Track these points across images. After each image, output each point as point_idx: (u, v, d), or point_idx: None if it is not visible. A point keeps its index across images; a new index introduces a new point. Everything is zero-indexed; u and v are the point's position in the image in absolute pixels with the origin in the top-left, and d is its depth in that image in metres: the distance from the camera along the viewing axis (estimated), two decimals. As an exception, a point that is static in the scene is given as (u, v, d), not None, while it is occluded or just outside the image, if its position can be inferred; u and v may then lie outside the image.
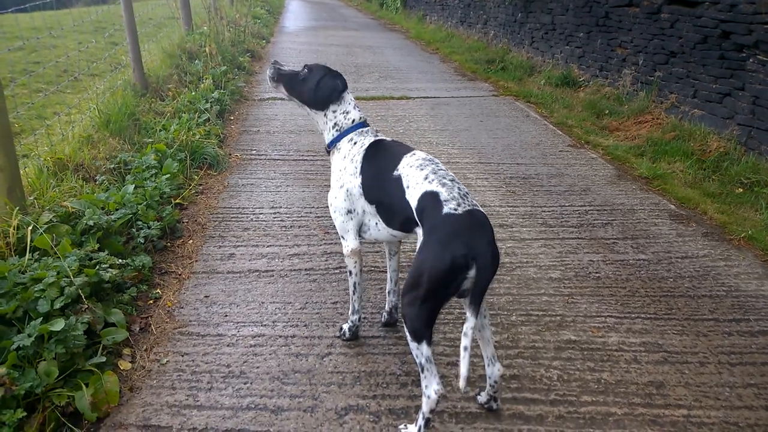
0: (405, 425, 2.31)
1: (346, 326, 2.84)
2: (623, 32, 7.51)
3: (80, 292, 2.65)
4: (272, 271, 3.46)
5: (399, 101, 7.79)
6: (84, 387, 2.32)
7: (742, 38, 5.47)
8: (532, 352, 2.79)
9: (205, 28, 9.42)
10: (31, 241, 2.92)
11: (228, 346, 2.77)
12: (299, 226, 4.03)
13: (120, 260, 3.12)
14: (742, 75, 5.52)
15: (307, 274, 3.44)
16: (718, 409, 2.46)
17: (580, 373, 2.65)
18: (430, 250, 2.01)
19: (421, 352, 2.04)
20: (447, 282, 1.96)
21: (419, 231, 2.19)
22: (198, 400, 2.41)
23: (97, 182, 4.10)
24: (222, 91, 6.81)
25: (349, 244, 2.58)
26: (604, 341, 2.88)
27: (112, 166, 4.36)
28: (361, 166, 2.46)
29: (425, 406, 2.10)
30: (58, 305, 2.55)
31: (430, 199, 2.10)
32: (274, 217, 4.16)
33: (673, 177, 5.14)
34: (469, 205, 2.07)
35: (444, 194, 2.09)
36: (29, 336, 2.34)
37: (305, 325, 2.94)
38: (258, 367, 2.62)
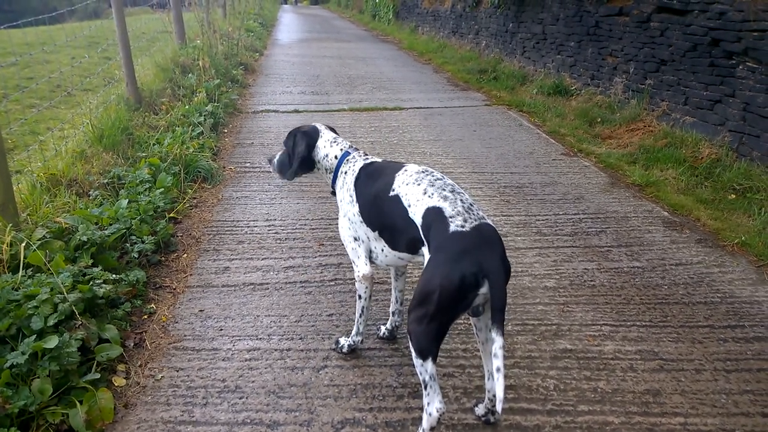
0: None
1: (345, 342, 2.81)
2: (614, 41, 7.57)
3: (74, 308, 2.64)
4: (267, 284, 3.45)
5: (392, 112, 7.82)
6: (78, 404, 2.30)
7: (731, 46, 5.53)
8: (528, 361, 2.78)
9: (199, 41, 9.46)
10: (25, 257, 2.91)
11: (223, 360, 2.75)
12: (294, 239, 4.03)
13: (114, 275, 3.10)
14: (732, 82, 5.57)
15: (302, 286, 3.43)
16: (714, 416, 2.46)
17: (576, 382, 2.65)
18: (438, 268, 1.96)
19: (425, 369, 2.02)
20: (457, 300, 1.93)
21: (425, 249, 2.15)
22: (193, 416, 2.39)
23: (91, 197, 4.09)
24: (215, 104, 6.83)
25: (360, 269, 2.57)
26: (599, 350, 2.88)
27: (105, 181, 4.35)
28: (356, 193, 2.52)
29: (426, 423, 2.09)
30: (51, 322, 2.53)
31: (434, 215, 2.08)
32: (269, 230, 4.16)
33: (666, 184, 5.17)
34: (476, 219, 2.04)
35: (448, 210, 2.06)
36: (23, 353, 2.33)
37: (301, 338, 2.93)
38: (253, 382, 2.61)
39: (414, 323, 2.00)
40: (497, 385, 1.83)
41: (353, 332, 2.78)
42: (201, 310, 3.16)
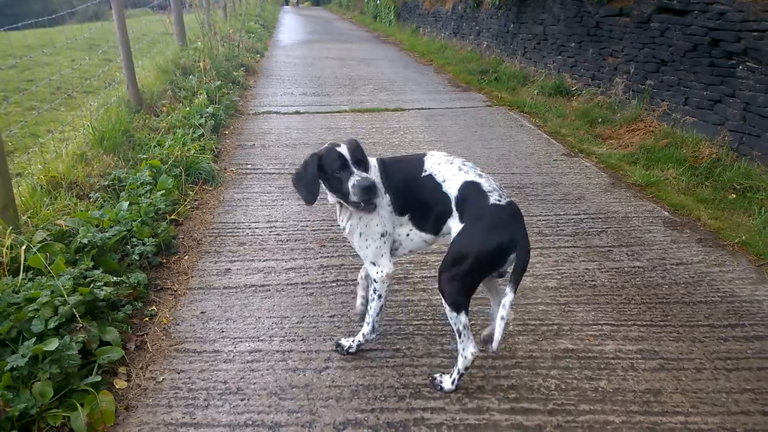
0: (441, 374, 2.58)
1: (354, 341, 2.78)
2: (614, 41, 7.57)
3: (74, 311, 2.65)
4: (268, 285, 3.45)
5: (394, 113, 7.83)
6: (79, 407, 2.31)
7: (731, 46, 5.52)
8: (530, 361, 2.79)
9: (199, 43, 9.47)
10: (25, 260, 2.91)
11: (225, 362, 2.75)
12: (295, 240, 4.03)
13: (115, 278, 3.11)
14: (732, 82, 5.57)
15: (303, 288, 3.44)
16: (715, 415, 2.46)
17: (577, 381, 2.65)
18: (477, 234, 2.28)
19: (459, 320, 2.37)
20: (491, 263, 2.27)
21: (452, 221, 2.40)
22: (195, 418, 2.40)
23: (92, 200, 4.10)
24: (216, 105, 6.84)
25: (384, 268, 2.58)
26: (600, 349, 2.88)
27: (106, 183, 4.36)
28: (386, 185, 2.52)
29: (461, 364, 2.48)
30: (52, 325, 2.54)
31: (472, 188, 2.35)
32: (270, 232, 4.16)
33: (667, 184, 5.17)
34: (507, 197, 2.37)
35: (485, 185, 2.35)
36: (23, 356, 2.33)
37: (302, 340, 2.93)
38: (255, 383, 2.61)
39: (447, 282, 2.31)
40: (497, 329, 2.20)
41: (367, 330, 2.73)
42: (202, 312, 3.16)
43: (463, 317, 2.37)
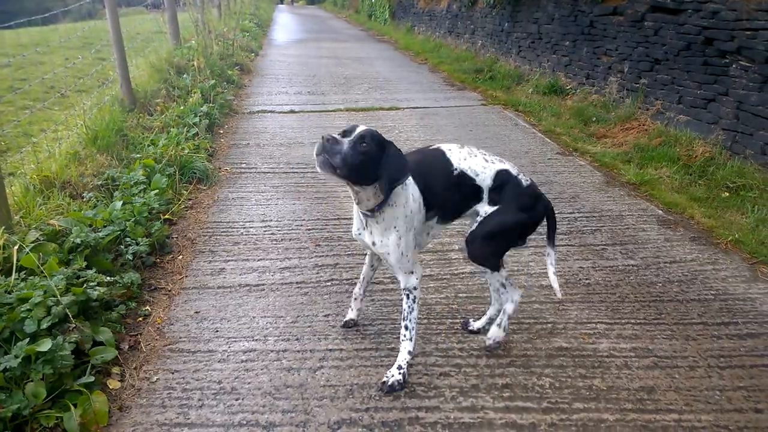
0: (490, 339, 2.81)
1: (402, 366, 2.58)
2: (608, 40, 7.59)
3: (67, 311, 2.63)
4: (263, 285, 3.45)
5: (389, 112, 7.83)
6: (72, 408, 2.30)
7: (724, 44, 5.54)
8: (524, 360, 2.79)
9: (193, 42, 9.45)
10: (18, 260, 2.89)
11: (219, 362, 2.75)
12: (290, 239, 4.03)
13: (108, 278, 3.09)
14: (725, 80, 5.59)
15: (298, 287, 3.43)
16: (708, 412, 2.47)
17: (571, 380, 2.65)
18: (519, 209, 2.54)
19: (501, 276, 2.71)
20: (531, 229, 2.63)
21: (480, 206, 2.57)
22: (189, 418, 2.39)
23: (85, 199, 4.08)
24: (211, 104, 6.82)
25: (419, 272, 2.58)
26: (595, 348, 2.89)
27: (99, 182, 4.34)
28: (423, 198, 2.50)
29: (510, 310, 2.76)
30: (45, 325, 2.53)
31: (506, 175, 2.56)
32: (265, 231, 4.15)
33: (660, 182, 5.18)
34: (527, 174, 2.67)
35: (512, 170, 2.59)
36: (16, 357, 2.32)
37: (297, 339, 2.93)
38: (249, 383, 2.61)
39: (486, 249, 2.58)
40: (553, 281, 2.69)
41: (411, 346, 2.60)
42: (196, 312, 3.16)
43: (503, 273, 2.72)
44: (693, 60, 6.01)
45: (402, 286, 2.57)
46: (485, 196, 2.56)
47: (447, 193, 2.55)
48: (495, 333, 2.81)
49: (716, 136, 5.65)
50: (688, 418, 2.43)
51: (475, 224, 2.58)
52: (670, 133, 6.11)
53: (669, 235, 4.19)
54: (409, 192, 2.46)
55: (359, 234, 2.59)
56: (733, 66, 5.48)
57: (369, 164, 2.24)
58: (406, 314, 2.60)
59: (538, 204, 2.61)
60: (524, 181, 2.60)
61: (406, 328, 2.61)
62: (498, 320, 2.81)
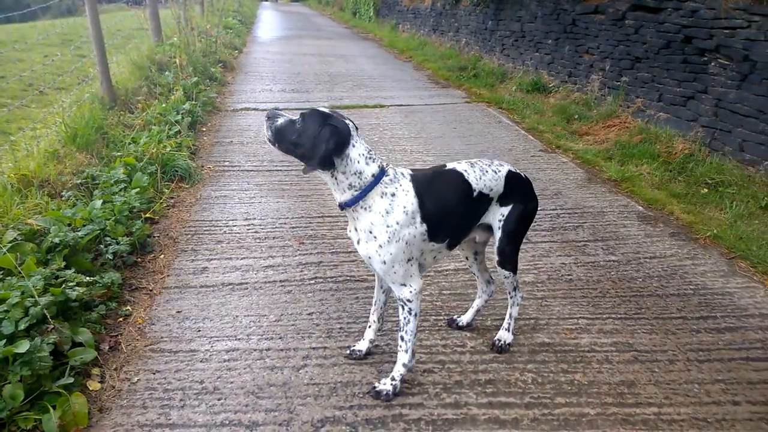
0: (497, 339, 2.86)
1: (396, 377, 2.52)
2: (590, 39, 7.65)
3: (46, 311, 2.60)
4: (246, 283, 3.43)
5: (373, 109, 7.82)
6: (51, 409, 2.27)
7: (703, 43, 5.62)
8: (507, 356, 2.81)
9: (176, 38, 9.35)
10: (-5, 260, 2.85)
11: (201, 361, 2.73)
12: (273, 238, 4.01)
13: (88, 278, 3.06)
14: (704, 78, 5.66)
15: (281, 285, 3.42)
16: (687, 405, 2.50)
17: (553, 375, 2.68)
18: (528, 202, 2.64)
19: (517, 278, 2.77)
20: (531, 221, 2.74)
21: (490, 213, 2.59)
22: (170, 419, 2.37)
23: (64, 198, 4.02)
24: (193, 102, 6.76)
25: (415, 285, 2.40)
26: (576, 343, 2.92)
27: (79, 181, 4.28)
28: (421, 215, 2.32)
29: (516, 313, 2.86)
30: (23, 326, 2.49)
31: (511, 174, 2.60)
32: (248, 229, 4.13)
33: (641, 179, 5.24)
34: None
35: (512, 168, 2.64)
36: (-7, 358, 2.28)
37: (280, 338, 2.92)
38: (232, 382, 2.59)
39: (513, 254, 2.67)
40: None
41: (406, 358, 2.50)
42: (178, 312, 3.13)
43: (518, 275, 2.77)
44: (673, 58, 6.08)
45: (395, 295, 2.45)
46: (495, 202, 2.57)
47: (464, 215, 2.50)
48: (505, 336, 2.85)
49: (695, 133, 5.73)
50: (668, 411, 2.46)
51: (499, 231, 2.59)
52: (651, 130, 6.18)
53: (649, 230, 4.24)
54: (400, 203, 2.29)
55: (349, 231, 2.47)
56: (712, 64, 5.56)
57: (307, 144, 2.23)
58: (402, 325, 2.47)
59: (533, 189, 2.72)
60: (523, 175, 2.68)
61: (402, 339, 2.49)
62: (506, 324, 2.87)
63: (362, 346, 2.77)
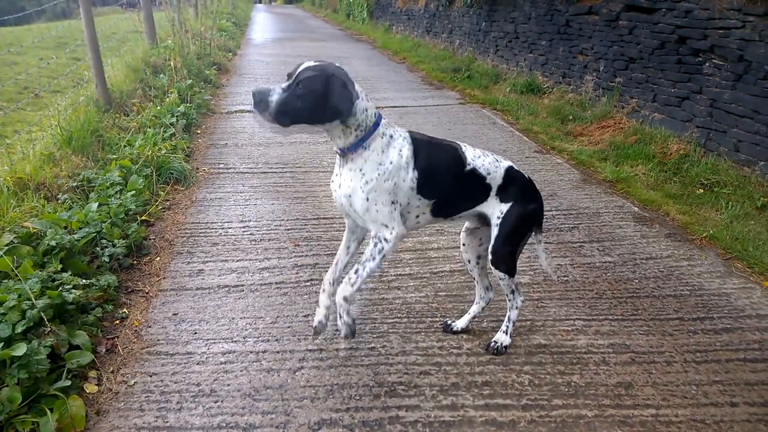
0: (493, 341, 2.84)
1: (343, 316, 2.48)
2: (584, 39, 7.68)
3: (43, 314, 2.59)
4: (242, 285, 3.42)
5: (367, 111, 7.80)
6: (49, 412, 2.26)
7: (698, 43, 5.65)
8: (504, 357, 2.81)
9: (170, 41, 9.33)
10: (-9, 264, 2.84)
11: (198, 364, 2.72)
12: (269, 240, 4.01)
13: (84, 280, 3.05)
14: (699, 79, 5.69)
15: (277, 287, 3.41)
16: (685, 407, 2.51)
17: (550, 376, 2.68)
18: (529, 203, 2.62)
19: (514, 281, 2.73)
20: (535, 223, 2.72)
21: (487, 205, 2.58)
22: (167, 421, 2.36)
23: (60, 201, 4.01)
24: (188, 104, 6.75)
25: (398, 229, 2.40)
26: (573, 344, 2.92)
27: (74, 184, 4.27)
28: (414, 162, 2.39)
29: (515, 316, 2.84)
30: (19, 329, 2.48)
31: (513, 171, 2.60)
32: (244, 231, 4.12)
33: (636, 180, 5.26)
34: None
35: (514, 165, 2.64)
36: (-11, 362, 2.27)
37: (276, 340, 2.91)
38: (229, 385, 2.59)
39: (508, 256, 2.62)
40: (544, 265, 2.89)
41: (350, 291, 2.45)
42: (175, 314, 3.12)
43: (515, 278, 2.73)
44: (667, 59, 6.11)
45: (372, 233, 2.43)
46: (494, 194, 2.57)
47: (454, 185, 2.51)
48: (502, 339, 2.84)
49: (690, 133, 5.76)
50: (666, 413, 2.47)
51: (496, 228, 2.58)
52: (646, 131, 6.20)
53: (645, 231, 4.26)
54: (396, 146, 2.37)
55: (332, 181, 2.47)
56: (707, 64, 5.58)
57: (315, 105, 2.18)
58: (364, 259, 2.42)
59: (538, 193, 2.70)
60: (525, 174, 2.68)
61: (356, 271, 2.43)
62: (504, 327, 2.86)
63: (320, 315, 2.71)
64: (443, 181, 2.49)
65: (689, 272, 3.68)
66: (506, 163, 2.61)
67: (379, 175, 2.33)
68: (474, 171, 2.51)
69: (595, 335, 3.00)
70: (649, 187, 5.13)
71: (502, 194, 2.58)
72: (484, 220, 2.68)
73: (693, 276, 3.63)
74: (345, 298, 2.46)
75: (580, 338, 2.97)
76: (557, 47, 8.35)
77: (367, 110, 2.33)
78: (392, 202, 2.38)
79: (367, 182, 2.33)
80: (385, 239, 2.40)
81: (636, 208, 4.68)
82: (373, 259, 2.42)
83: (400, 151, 2.37)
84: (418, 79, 10.40)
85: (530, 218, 2.66)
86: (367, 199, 2.34)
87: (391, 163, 2.35)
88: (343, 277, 2.55)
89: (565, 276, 3.60)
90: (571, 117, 7.23)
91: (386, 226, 2.40)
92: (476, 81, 9.66)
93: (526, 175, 2.68)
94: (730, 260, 3.85)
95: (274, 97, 2.16)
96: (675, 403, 2.53)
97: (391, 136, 2.39)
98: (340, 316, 2.50)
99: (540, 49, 8.84)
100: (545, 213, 4.47)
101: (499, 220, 2.58)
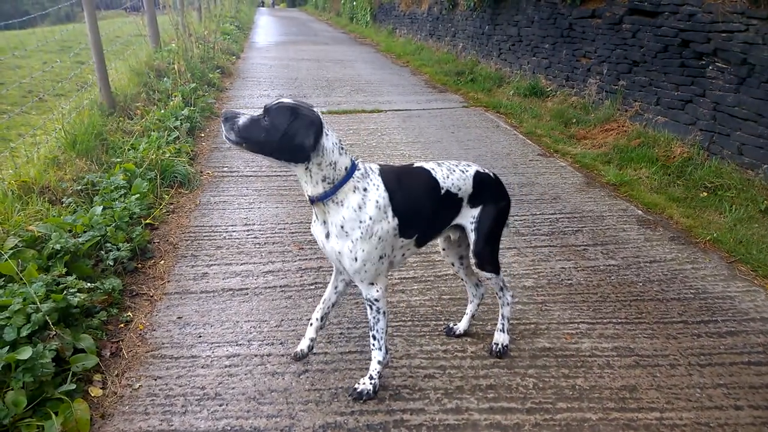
0: (494, 344, 2.85)
1: (373, 375, 2.55)
2: (587, 43, 7.68)
3: (47, 318, 2.60)
4: (246, 289, 3.43)
5: (371, 114, 7.83)
6: (54, 416, 2.27)
7: (701, 46, 5.64)
8: (508, 360, 2.81)
9: (174, 45, 9.36)
10: (-4, 267, 2.85)
11: (202, 367, 2.73)
12: (273, 243, 4.01)
13: (89, 284, 3.06)
14: (702, 82, 5.69)
15: (282, 291, 3.42)
16: (689, 410, 2.50)
17: (555, 380, 2.68)
18: (499, 201, 2.65)
19: (500, 278, 2.76)
20: (506, 218, 2.72)
21: (461, 215, 2.59)
22: (172, 425, 2.37)
23: (64, 205, 4.02)
24: (192, 108, 6.76)
25: (381, 284, 2.42)
26: (577, 347, 2.92)
27: (79, 187, 4.28)
28: (392, 207, 2.32)
29: (508, 313, 2.86)
30: (24, 333, 2.49)
31: (480, 175, 2.61)
32: (248, 235, 4.13)
33: (640, 183, 5.26)
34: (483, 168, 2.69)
35: (480, 168, 2.64)
36: (-5, 366, 2.28)
37: (281, 343, 2.92)
38: (233, 388, 2.59)
39: (490, 256, 2.65)
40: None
41: (381, 355, 2.53)
42: (179, 317, 3.13)
43: (502, 275, 2.77)
44: (670, 62, 6.11)
45: (363, 295, 2.45)
46: (466, 203, 2.57)
47: (433, 213, 2.49)
48: (501, 338, 2.86)
49: (694, 136, 5.75)
50: (670, 416, 2.46)
51: (473, 233, 2.59)
52: (649, 134, 6.20)
53: (649, 234, 4.25)
54: (371, 198, 2.28)
55: (313, 227, 2.44)
56: (710, 68, 5.58)
57: (274, 137, 2.12)
58: (371, 324, 2.50)
59: (506, 190, 2.73)
60: (490, 173, 2.67)
61: (374, 338, 2.52)
62: (499, 326, 2.87)
63: (303, 344, 2.67)
64: (422, 215, 2.45)
65: (693, 275, 3.67)
66: (472, 170, 2.60)
67: (362, 234, 2.28)
68: (448, 192, 2.50)
69: (599, 338, 2.99)
70: (653, 190, 5.13)
71: (473, 200, 2.59)
72: (458, 228, 2.67)
73: (697, 279, 3.63)
74: (379, 362, 2.56)
75: (584, 341, 2.97)
76: (560, 50, 8.36)
77: (336, 163, 2.22)
78: (380, 258, 2.35)
79: (353, 242, 2.28)
80: (375, 300, 2.43)
81: (639, 212, 4.68)
82: (378, 320, 2.49)
83: (377, 202, 2.29)
84: (421, 82, 10.41)
85: (503, 215, 2.69)
86: (356, 260, 2.31)
87: (370, 218, 2.27)
88: (329, 314, 2.68)
89: (569, 279, 3.59)
90: (574, 120, 7.23)
91: (373, 285, 2.41)
92: (479, 84, 9.67)
93: (492, 174, 2.68)
94: (734, 263, 3.85)
95: (241, 121, 2.17)
96: (679, 406, 2.53)
97: (365, 190, 2.28)
98: (371, 378, 2.55)
99: (543, 52, 8.84)
100: (548, 216, 4.54)
101: (474, 225, 2.59)
